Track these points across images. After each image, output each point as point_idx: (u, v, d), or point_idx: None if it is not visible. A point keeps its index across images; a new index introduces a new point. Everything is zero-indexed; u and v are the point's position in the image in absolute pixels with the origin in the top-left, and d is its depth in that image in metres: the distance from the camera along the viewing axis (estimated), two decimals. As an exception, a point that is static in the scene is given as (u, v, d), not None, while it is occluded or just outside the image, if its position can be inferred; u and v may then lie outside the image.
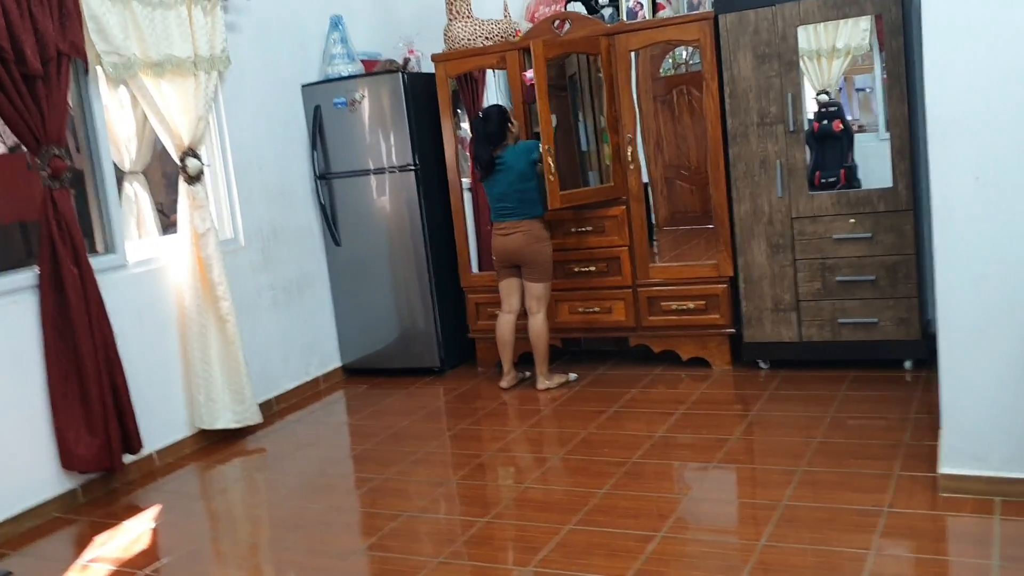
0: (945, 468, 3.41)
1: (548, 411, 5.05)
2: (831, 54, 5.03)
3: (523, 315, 5.43)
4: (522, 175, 5.21)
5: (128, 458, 4.60)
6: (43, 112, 4.17)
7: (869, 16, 4.78)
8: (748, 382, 5.10)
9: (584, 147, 5.71)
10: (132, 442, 4.52)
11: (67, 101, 4.32)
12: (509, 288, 5.42)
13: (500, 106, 5.36)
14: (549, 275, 5.33)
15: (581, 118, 5.72)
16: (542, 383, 5.39)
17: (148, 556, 3.77)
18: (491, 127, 5.22)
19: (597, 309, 5.59)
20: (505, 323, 5.45)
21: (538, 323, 5.34)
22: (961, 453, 3.37)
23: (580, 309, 5.64)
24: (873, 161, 4.97)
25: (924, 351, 4.86)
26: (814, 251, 4.97)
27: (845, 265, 4.91)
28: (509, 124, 5.26)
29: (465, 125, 6.01)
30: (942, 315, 3.34)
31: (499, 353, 5.55)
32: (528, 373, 5.61)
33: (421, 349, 6.00)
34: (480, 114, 5.39)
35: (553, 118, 5.22)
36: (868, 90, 5.16)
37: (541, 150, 5.15)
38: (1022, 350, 3.20)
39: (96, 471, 4.43)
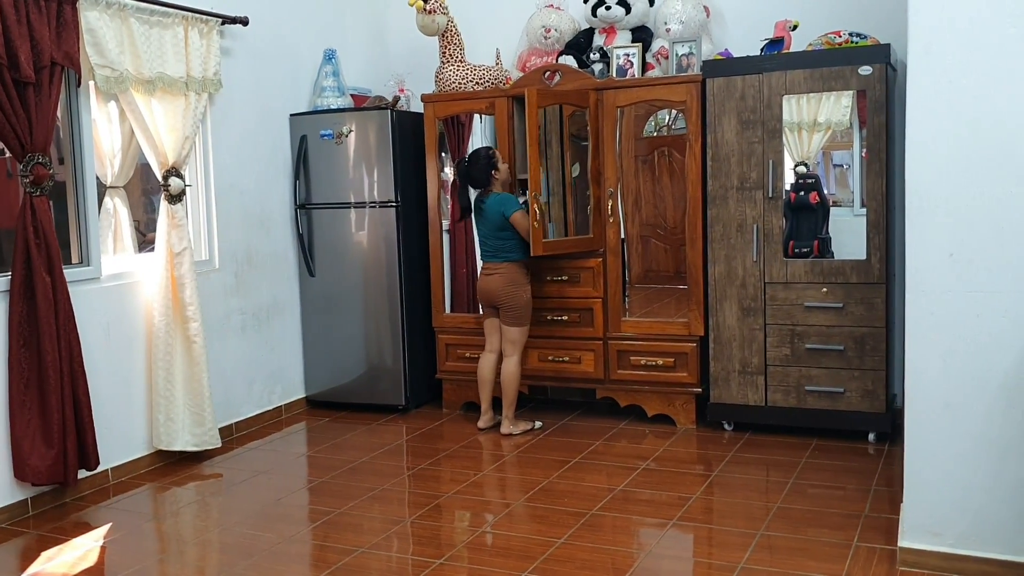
0: (904, 542, 3.43)
1: (511, 457, 5.03)
2: (812, 127, 5.13)
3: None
4: (496, 225, 5.26)
5: (82, 473, 4.52)
6: (31, 119, 4.17)
7: (851, 92, 4.89)
8: (711, 442, 5.11)
9: (546, 199, 5.71)
10: (89, 457, 4.45)
11: (56, 110, 4.31)
12: (491, 328, 5.44)
13: (488, 150, 5.39)
14: (526, 320, 5.35)
15: (544, 171, 5.72)
16: (506, 427, 5.38)
17: (94, 574, 3.70)
18: (475, 171, 5.28)
19: (567, 359, 5.61)
20: (486, 362, 5.46)
21: (510, 367, 5.34)
22: (920, 528, 3.39)
23: (550, 357, 5.65)
24: (847, 235, 5.04)
25: (888, 425, 4.90)
26: (784, 317, 5.03)
27: (814, 333, 4.97)
28: (494, 170, 5.30)
29: (449, 170, 6.05)
30: (910, 388, 3.37)
31: (478, 392, 5.54)
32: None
33: (387, 386, 5.97)
34: (466, 157, 5.42)
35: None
36: (846, 167, 5.24)
37: (519, 202, 5.22)
38: (986, 428, 3.24)
39: (49, 484, 4.35)
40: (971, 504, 3.29)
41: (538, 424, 5.51)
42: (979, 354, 3.22)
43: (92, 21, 4.45)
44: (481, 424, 5.52)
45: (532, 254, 5.23)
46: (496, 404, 5.56)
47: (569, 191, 5.67)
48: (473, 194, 5.45)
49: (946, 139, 3.21)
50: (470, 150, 5.82)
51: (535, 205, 5.16)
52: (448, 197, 6.03)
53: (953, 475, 3.31)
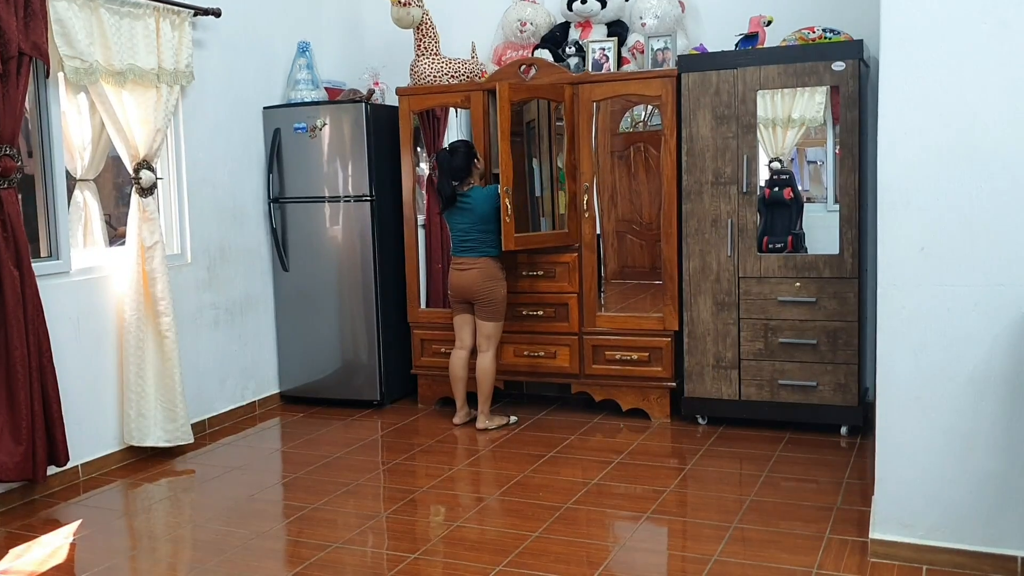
0: (876, 533, 3.45)
1: (485, 451, 5.02)
2: (786, 124, 5.14)
3: (475, 352, 5.42)
4: (484, 218, 5.24)
5: (52, 470, 4.46)
6: (-2, 110, 4.11)
7: (825, 88, 4.91)
8: (685, 436, 5.13)
9: (538, 193, 5.75)
10: (58, 453, 4.40)
11: (24, 102, 4.25)
12: (463, 323, 5.42)
13: (467, 142, 5.39)
14: (501, 315, 5.34)
15: (536, 164, 5.77)
16: (481, 422, 5.37)
17: (64, 571, 3.65)
18: (457, 161, 5.24)
19: (542, 354, 5.60)
20: (457, 359, 5.44)
21: (485, 362, 5.33)
22: (891, 519, 3.41)
23: (525, 352, 5.65)
24: (820, 231, 5.07)
25: (860, 418, 4.93)
26: (758, 311, 5.05)
27: (788, 327, 4.99)
28: (475, 160, 5.29)
29: (424, 164, 6.03)
30: (881, 382, 3.39)
31: (452, 388, 5.53)
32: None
33: (362, 381, 5.95)
34: (447, 147, 5.40)
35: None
36: (819, 163, 5.27)
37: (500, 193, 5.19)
38: (956, 421, 3.26)
39: (17, 480, 4.29)
40: (941, 496, 3.32)
41: (513, 419, 5.51)
42: (949, 347, 3.25)
43: (61, 11, 4.39)
44: (457, 420, 5.51)
45: (504, 248, 5.22)
46: (471, 399, 5.55)
47: (557, 184, 5.67)
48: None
49: (917, 134, 3.23)
50: (446, 144, 5.81)
51: (506, 200, 5.15)
52: (424, 192, 6.01)
53: (924, 467, 3.33)
